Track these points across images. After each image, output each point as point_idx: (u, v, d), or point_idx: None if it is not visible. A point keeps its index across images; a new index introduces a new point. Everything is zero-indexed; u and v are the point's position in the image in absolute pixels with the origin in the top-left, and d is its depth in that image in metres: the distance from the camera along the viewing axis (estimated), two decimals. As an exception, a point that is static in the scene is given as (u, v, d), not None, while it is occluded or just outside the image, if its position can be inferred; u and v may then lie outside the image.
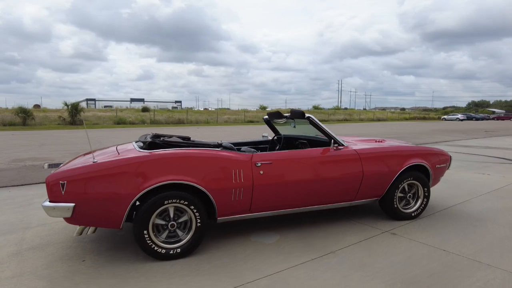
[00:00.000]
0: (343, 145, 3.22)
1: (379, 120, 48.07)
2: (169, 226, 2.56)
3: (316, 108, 74.18)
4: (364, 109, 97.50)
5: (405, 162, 3.38)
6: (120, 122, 25.59)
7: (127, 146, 3.04)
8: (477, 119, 52.04)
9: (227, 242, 2.90)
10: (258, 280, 2.26)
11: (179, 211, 2.60)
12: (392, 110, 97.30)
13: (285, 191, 2.90)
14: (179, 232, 2.61)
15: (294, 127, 3.75)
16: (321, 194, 3.07)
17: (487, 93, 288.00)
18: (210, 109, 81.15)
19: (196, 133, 16.28)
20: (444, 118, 54.37)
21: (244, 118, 33.48)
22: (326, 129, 3.20)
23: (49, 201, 2.33)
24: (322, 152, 3.10)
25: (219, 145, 2.97)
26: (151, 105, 49.36)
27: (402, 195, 3.46)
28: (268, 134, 4.58)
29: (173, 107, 78.49)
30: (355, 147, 3.29)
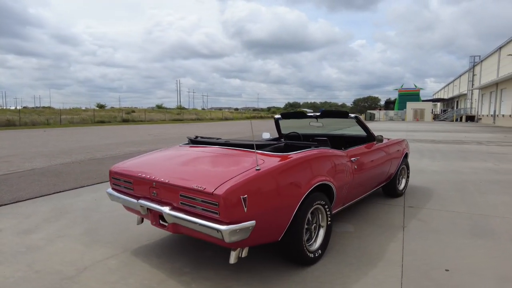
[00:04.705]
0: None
1: (227, 119, 51.85)
2: (312, 228, 2.49)
3: (159, 107, 72.18)
4: (203, 109, 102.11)
5: (403, 151, 4.35)
6: None
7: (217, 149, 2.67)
8: (299, 117, 64.13)
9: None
10: (404, 257, 2.58)
11: (311, 213, 2.55)
12: (226, 109, 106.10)
13: (363, 181, 3.27)
14: (312, 234, 2.57)
15: (321, 125, 4.08)
16: (375, 179, 3.60)
17: (295, 95, 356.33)
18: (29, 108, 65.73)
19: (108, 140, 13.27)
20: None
21: (93, 118, 29.07)
22: (369, 127, 3.74)
23: (228, 223, 1.87)
24: (373, 146, 3.64)
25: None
26: None
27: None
28: (270, 133, 4.66)
29: (-34, 105, 59.12)
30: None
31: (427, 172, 6.23)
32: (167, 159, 2.68)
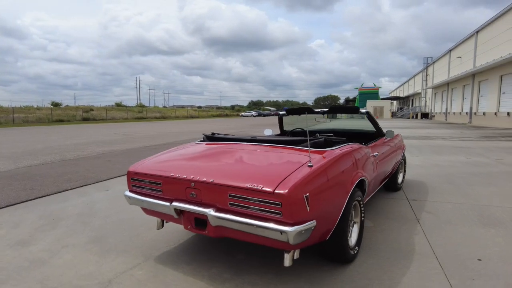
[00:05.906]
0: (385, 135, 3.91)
1: (192, 117, 50.81)
2: (350, 225, 2.44)
3: (119, 105, 68.83)
4: (165, 106, 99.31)
5: (403, 146, 4.47)
6: None
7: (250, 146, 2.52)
8: (264, 115, 64.55)
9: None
10: (434, 249, 2.62)
11: (347, 209, 2.50)
12: (189, 107, 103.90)
13: (381, 175, 3.30)
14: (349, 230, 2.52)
15: (330, 121, 4.07)
16: (387, 173, 3.65)
17: (257, 94, 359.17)
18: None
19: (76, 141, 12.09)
20: (242, 115, 64.11)
21: (51, 117, 26.94)
22: (379, 124, 3.79)
23: (292, 224, 1.74)
24: (384, 141, 3.68)
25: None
26: None
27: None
28: (272, 130, 4.56)
29: None
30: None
31: (411, 166, 6.50)
32: (198, 157, 2.48)
